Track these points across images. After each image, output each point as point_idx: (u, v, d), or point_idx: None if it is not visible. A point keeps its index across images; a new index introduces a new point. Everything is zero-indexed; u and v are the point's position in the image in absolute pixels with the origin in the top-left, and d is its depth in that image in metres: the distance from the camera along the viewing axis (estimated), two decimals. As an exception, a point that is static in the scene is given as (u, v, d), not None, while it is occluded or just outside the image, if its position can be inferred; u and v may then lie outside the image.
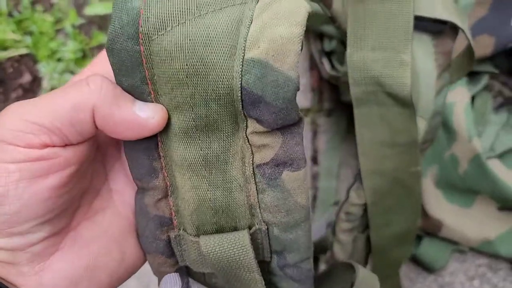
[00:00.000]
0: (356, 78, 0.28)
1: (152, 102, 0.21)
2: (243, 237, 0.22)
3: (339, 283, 0.31)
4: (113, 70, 0.21)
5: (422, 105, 0.30)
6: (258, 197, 0.23)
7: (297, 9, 0.20)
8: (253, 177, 0.22)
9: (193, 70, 0.20)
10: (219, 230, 0.23)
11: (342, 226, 0.34)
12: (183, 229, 0.24)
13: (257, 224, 0.23)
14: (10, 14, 0.88)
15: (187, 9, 0.19)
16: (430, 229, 0.60)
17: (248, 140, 0.21)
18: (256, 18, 0.20)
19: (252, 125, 0.21)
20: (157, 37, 0.19)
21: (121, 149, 0.24)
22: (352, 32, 0.27)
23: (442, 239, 0.61)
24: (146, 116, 0.20)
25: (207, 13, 0.19)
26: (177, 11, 0.19)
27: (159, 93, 0.21)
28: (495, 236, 0.59)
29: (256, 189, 0.22)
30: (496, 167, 0.57)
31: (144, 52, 0.20)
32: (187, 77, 0.20)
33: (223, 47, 0.20)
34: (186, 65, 0.20)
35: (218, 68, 0.20)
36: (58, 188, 0.20)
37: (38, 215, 0.19)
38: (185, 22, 0.19)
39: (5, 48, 0.85)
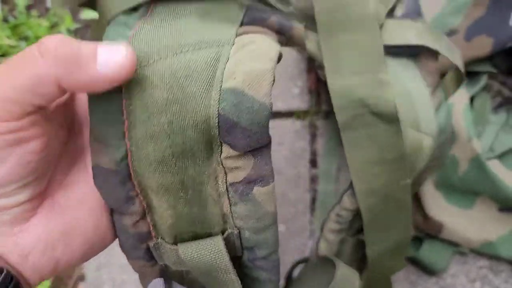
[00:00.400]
0: (341, 104, 0.29)
1: (125, 136, 0.22)
2: (218, 242, 0.24)
3: (319, 278, 0.34)
4: (88, 99, 0.22)
5: (424, 123, 0.31)
6: (231, 209, 0.24)
7: (269, 49, 0.23)
8: (226, 193, 0.24)
9: (173, 98, 0.21)
10: (195, 237, 0.25)
11: (331, 226, 0.36)
12: (161, 238, 0.25)
13: (230, 228, 0.25)
14: (5, 20, 0.88)
15: (170, 46, 0.21)
16: (431, 231, 0.59)
17: (222, 164, 0.23)
18: (232, 56, 0.22)
19: (226, 150, 0.22)
20: (140, 69, 0.21)
21: None
22: (329, 64, 0.29)
23: (443, 241, 0.60)
24: (112, 72, 0.20)
25: (188, 51, 0.21)
26: (161, 47, 0.21)
27: (133, 123, 0.21)
28: (496, 238, 0.59)
29: (229, 202, 0.24)
30: (496, 167, 0.56)
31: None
32: (166, 105, 0.21)
33: (203, 78, 0.21)
34: (166, 93, 0.21)
35: (197, 97, 0.21)
36: (38, 152, 0.21)
37: (20, 177, 0.21)
38: (167, 57, 0.21)
39: (1, 55, 0.85)
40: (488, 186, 0.56)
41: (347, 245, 0.37)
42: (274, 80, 0.22)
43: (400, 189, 0.31)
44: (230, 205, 0.24)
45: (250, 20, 0.25)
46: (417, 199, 0.61)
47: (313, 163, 0.71)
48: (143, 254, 0.25)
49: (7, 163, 0.20)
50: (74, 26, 0.87)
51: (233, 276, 0.24)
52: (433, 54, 0.33)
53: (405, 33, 0.31)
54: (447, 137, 0.34)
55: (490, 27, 0.55)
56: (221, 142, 0.22)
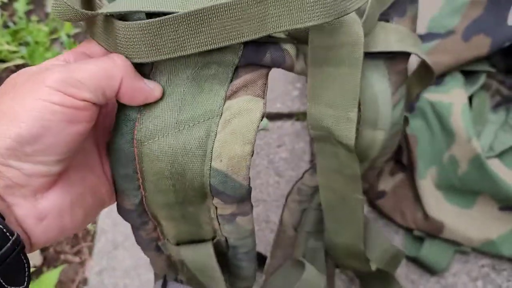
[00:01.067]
0: (313, 125, 0.34)
1: (140, 187, 0.29)
2: (209, 248, 0.33)
3: (289, 278, 0.42)
4: (110, 162, 0.28)
5: (381, 120, 0.36)
6: (220, 226, 0.32)
7: (251, 125, 0.27)
8: (216, 218, 0.32)
9: (174, 170, 0.27)
10: (192, 242, 0.34)
11: (292, 197, 0.42)
12: (167, 240, 0.34)
13: (219, 236, 0.33)
14: (5, 25, 0.88)
15: (169, 124, 0.27)
16: (432, 230, 0.59)
17: (213, 204, 0.30)
18: (219, 132, 0.27)
19: (217, 200, 0.30)
20: (147, 144, 0.27)
21: (106, 119, 0.31)
22: (311, 89, 0.32)
23: (444, 240, 0.60)
24: (152, 87, 0.27)
25: (184, 129, 0.27)
26: (162, 125, 0.27)
27: (146, 180, 0.28)
28: (497, 236, 0.59)
29: (218, 223, 0.32)
30: (496, 166, 0.57)
31: (137, 152, 0.27)
32: (170, 174, 0.28)
33: (197, 157, 0.27)
34: (170, 167, 0.27)
35: (194, 171, 0.28)
36: (82, 135, 0.25)
37: (62, 152, 0.24)
38: (168, 135, 0.27)
39: (1, 60, 0.85)
40: (488, 186, 0.56)
41: (310, 216, 0.43)
42: (252, 154, 0.28)
43: (353, 201, 0.37)
44: (219, 225, 0.32)
45: (245, 63, 0.28)
46: (417, 199, 0.61)
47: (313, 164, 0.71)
48: (154, 248, 0.35)
49: (59, 135, 0.24)
50: (73, 31, 0.87)
51: (218, 273, 0.33)
52: (407, 56, 0.37)
53: (388, 38, 0.34)
54: (398, 128, 0.38)
55: (488, 27, 0.56)
56: (212, 196, 0.29)
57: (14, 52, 0.85)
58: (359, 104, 0.33)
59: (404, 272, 0.62)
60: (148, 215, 0.31)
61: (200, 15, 0.24)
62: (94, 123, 0.26)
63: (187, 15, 0.24)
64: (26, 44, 0.86)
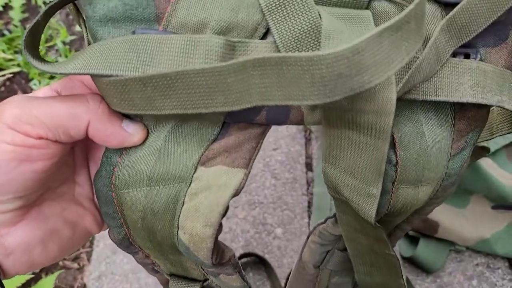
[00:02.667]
0: (329, 186, 0.28)
1: (123, 225, 0.27)
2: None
3: None
4: (96, 197, 0.27)
5: (428, 176, 0.28)
6: (208, 278, 0.32)
7: (215, 207, 0.25)
8: (204, 273, 0.31)
9: (147, 225, 0.26)
10: (184, 277, 0.33)
11: (313, 239, 0.37)
12: (159, 267, 0.33)
13: (209, 280, 0.32)
14: (0, 33, 0.89)
15: (142, 179, 0.25)
16: (427, 230, 0.60)
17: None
18: (186, 202, 0.25)
19: None
20: (123, 192, 0.26)
21: (89, 150, 0.29)
22: (327, 149, 0.26)
23: (439, 240, 0.61)
24: (131, 131, 0.24)
25: (154, 188, 0.25)
26: (136, 178, 0.25)
27: (126, 221, 0.27)
28: (490, 235, 0.60)
29: (205, 273, 0.31)
30: (489, 166, 0.57)
31: (115, 196, 0.26)
32: (142, 225, 0.26)
33: (165, 220, 0.26)
34: (141, 220, 0.26)
35: (163, 232, 0.26)
36: (40, 172, 0.24)
37: (17, 190, 0.24)
38: (140, 190, 0.25)
39: (-4, 67, 0.85)
40: (481, 185, 0.57)
41: (335, 256, 0.38)
42: (217, 237, 0.26)
43: (383, 254, 0.31)
44: (207, 275, 0.31)
45: (234, 119, 0.24)
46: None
47: (309, 166, 0.72)
48: (151, 269, 0.33)
49: (10, 174, 0.23)
50: (69, 38, 0.87)
51: None
52: (486, 107, 0.27)
53: (460, 82, 0.25)
54: (456, 179, 0.29)
55: None
56: None
57: (10, 60, 0.86)
58: (396, 163, 0.26)
59: (400, 272, 0.62)
60: (135, 246, 0.29)
61: (162, 79, 0.21)
62: (59, 159, 0.25)
63: (150, 78, 0.21)
64: (22, 52, 0.87)
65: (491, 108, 0.32)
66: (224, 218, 0.66)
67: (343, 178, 0.26)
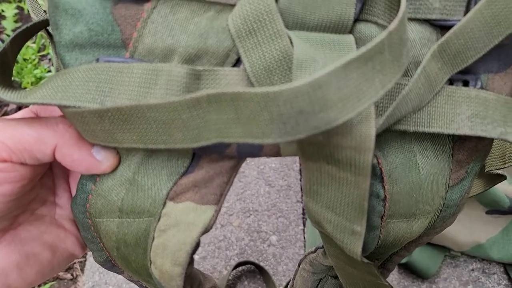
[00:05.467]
0: (312, 220, 0.26)
1: (103, 249, 0.27)
2: None
3: None
4: (76, 222, 0.27)
5: (422, 209, 0.26)
6: None
7: (183, 246, 0.24)
8: None
9: (121, 255, 0.26)
10: None
11: (305, 267, 0.36)
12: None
13: None
14: (-7, 43, 0.89)
15: (113, 210, 0.24)
16: (421, 236, 0.60)
17: None
18: (156, 238, 0.24)
19: None
20: (98, 220, 0.25)
21: (70, 172, 0.29)
22: (307, 182, 0.24)
23: (434, 245, 0.61)
24: (101, 159, 0.24)
25: (125, 221, 0.25)
26: (108, 208, 0.24)
27: (104, 245, 0.26)
28: (485, 240, 0.60)
29: None
30: (482, 171, 0.57)
31: (91, 223, 0.25)
32: (117, 254, 0.26)
33: (138, 252, 0.25)
34: (116, 250, 0.26)
35: (137, 263, 0.26)
36: (8, 195, 0.23)
37: None
38: (113, 221, 0.25)
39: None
40: (475, 190, 0.57)
41: (329, 283, 0.37)
42: (185, 275, 0.25)
43: (376, 284, 0.29)
44: None
45: (204, 151, 0.23)
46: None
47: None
48: (139, 284, 0.32)
49: None
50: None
51: None
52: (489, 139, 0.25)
53: (455, 113, 0.23)
54: (455, 210, 0.27)
55: None
56: None
57: (3, 69, 0.85)
58: (384, 198, 0.25)
59: (396, 278, 0.62)
60: (119, 267, 0.29)
61: (117, 113, 0.20)
62: (29, 181, 0.24)
63: (105, 111, 0.20)
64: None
65: None
66: (219, 226, 0.66)
67: (325, 214, 0.24)
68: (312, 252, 0.35)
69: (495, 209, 0.58)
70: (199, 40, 0.21)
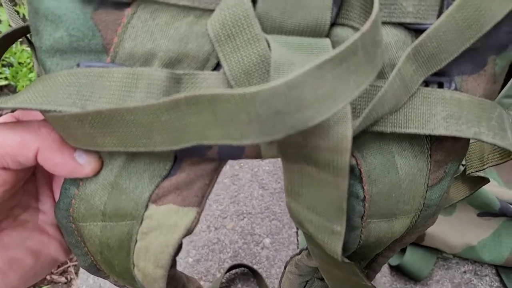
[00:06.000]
0: (294, 220, 0.26)
1: (88, 254, 0.27)
2: None
3: None
4: (60, 228, 0.27)
5: (402, 208, 0.27)
6: None
7: (165, 248, 0.24)
8: None
9: (104, 259, 0.26)
10: None
11: (291, 269, 0.36)
12: None
13: None
14: (-12, 47, 0.89)
15: (96, 214, 0.25)
16: (414, 238, 0.60)
17: None
18: (139, 240, 0.25)
19: None
20: (81, 224, 0.25)
21: (53, 177, 0.29)
22: (289, 184, 0.24)
23: (426, 248, 0.61)
24: (82, 162, 0.24)
25: (108, 224, 0.25)
26: (91, 212, 0.25)
27: (89, 249, 0.26)
28: (477, 242, 0.60)
29: None
30: (473, 173, 0.58)
31: (75, 228, 0.25)
32: (101, 259, 0.26)
33: (121, 255, 0.25)
34: (100, 254, 0.26)
35: (120, 266, 0.26)
36: None
37: None
38: (96, 224, 0.25)
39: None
40: (466, 192, 0.57)
41: (315, 287, 0.37)
42: (167, 277, 0.25)
43: (359, 285, 0.29)
44: None
45: (185, 154, 0.24)
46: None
47: (297, 176, 0.72)
48: None
49: None
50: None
51: None
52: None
53: (432, 113, 0.23)
54: (435, 210, 0.28)
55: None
56: None
57: (-2, 73, 0.86)
58: (363, 198, 0.25)
59: (389, 281, 0.62)
60: (104, 272, 0.29)
61: (97, 116, 0.20)
62: (12, 187, 0.24)
63: (85, 115, 0.20)
64: (10, 65, 0.87)
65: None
66: (212, 229, 0.66)
67: (306, 214, 0.24)
68: (297, 254, 0.36)
69: (486, 211, 0.59)
70: (179, 44, 0.21)
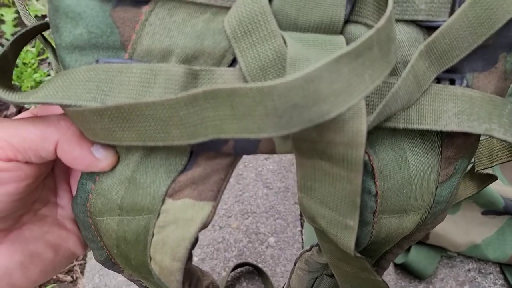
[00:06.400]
0: (306, 216, 0.27)
1: (104, 248, 0.27)
2: None
3: None
4: (76, 221, 0.27)
5: (413, 205, 0.27)
6: None
7: (182, 242, 0.24)
8: None
9: (120, 253, 0.26)
10: None
11: (301, 266, 0.36)
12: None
13: None
14: (-8, 47, 0.89)
15: (113, 208, 0.25)
16: (418, 237, 0.61)
17: None
18: (156, 234, 0.25)
19: None
20: (98, 219, 0.26)
21: (71, 172, 0.29)
22: (302, 179, 0.24)
23: (430, 246, 0.61)
24: (100, 156, 0.24)
25: (125, 218, 0.25)
26: (108, 207, 0.25)
27: (105, 243, 0.27)
28: (481, 240, 0.60)
29: None
30: (477, 172, 0.58)
31: (92, 222, 0.26)
32: (117, 252, 0.26)
33: (137, 249, 0.26)
34: (116, 248, 0.26)
35: (137, 260, 0.26)
36: (13, 195, 0.23)
37: None
38: (113, 219, 0.25)
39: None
40: (470, 191, 0.57)
41: (325, 284, 0.38)
42: (183, 270, 0.25)
43: (370, 281, 0.29)
44: None
45: (201, 148, 0.24)
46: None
47: (301, 175, 0.72)
48: (139, 284, 0.32)
49: None
50: (61, 51, 0.88)
51: None
52: (475, 134, 0.26)
53: (442, 110, 0.23)
54: (444, 206, 0.28)
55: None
56: None
57: (2, 73, 0.86)
58: (376, 194, 0.25)
59: (393, 279, 0.62)
60: (119, 266, 0.29)
61: (117, 111, 0.21)
62: (34, 181, 0.24)
63: (105, 109, 0.21)
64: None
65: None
66: (217, 228, 0.67)
67: (319, 209, 0.25)
68: (307, 251, 0.36)
69: (491, 209, 0.59)
70: (196, 41, 0.22)
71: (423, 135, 0.25)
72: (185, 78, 0.21)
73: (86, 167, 0.24)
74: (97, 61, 0.22)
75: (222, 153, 0.24)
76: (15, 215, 0.25)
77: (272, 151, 0.24)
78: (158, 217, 0.25)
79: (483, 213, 0.60)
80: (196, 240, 0.25)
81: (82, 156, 0.24)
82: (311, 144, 0.22)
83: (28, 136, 0.23)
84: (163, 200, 0.25)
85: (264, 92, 0.16)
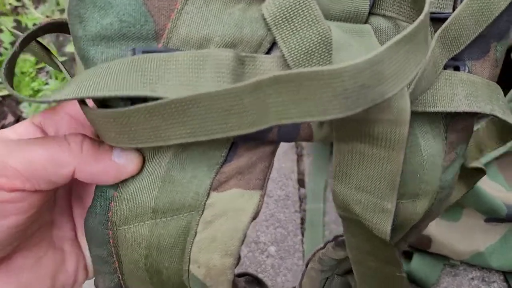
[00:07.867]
0: (339, 205, 0.27)
1: (117, 271, 0.25)
2: None
3: None
4: (86, 238, 0.24)
5: (425, 188, 0.28)
6: None
7: (235, 233, 0.23)
8: None
9: (150, 265, 0.24)
10: None
11: (313, 265, 0.36)
12: None
13: None
14: (-10, 57, 0.89)
15: (145, 212, 0.23)
16: (420, 245, 0.60)
17: None
18: (200, 232, 0.24)
19: None
20: (122, 228, 0.24)
21: (73, 187, 0.26)
22: (337, 166, 0.25)
23: (433, 254, 0.61)
24: (123, 162, 0.22)
25: (160, 221, 0.23)
26: (138, 212, 0.23)
27: (123, 263, 0.25)
28: (484, 248, 0.60)
29: None
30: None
31: (112, 235, 0.24)
32: (145, 266, 0.24)
33: (173, 256, 0.24)
34: (144, 259, 0.24)
35: (170, 270, 0.24)
36: (13, 227, 0.21)
37: None
38: (144, 224, 0.23)
39: (-14, 90, 0.85)
40: (472, 198, 0.57)
41: (335, 282, 0.37)
42: (234, 276, 0.24)
43: (391, 277, 0.30)
44: None
45: (244, 138, 0.23)
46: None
47: (301, 183, 0.71)
48: None
49: None
50: (60, 59, 0.87)
51: None
52: (476, 114, 0.27)
53: (454, 93, 0.25)
54: (448, 192, 0.29)
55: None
56: None
57: (0, 82, 0.86)
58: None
59: (395, 288, 0.62)
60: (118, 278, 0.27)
61: (174, 105, 0.20)
62: (37, 210, 0.22)
63: (159, 105, 0.20)
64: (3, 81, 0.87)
65: (477, 128, 0.33)
66: (217, 237, 0.66)
67: (355, 195, 0.25)
68: (321, 248, 0.36)
69: (494, 217, 0.58)
70: (235, 29, 0.22)
71: (431, 121, 0.27)
72: (234, 62, 0.21)
73: (114, 179, 0.22)
74: (133, 51, 0.21)
75: (267, 141, 0.24)
76: (12, 245, 0.23)
77: (309, 137, 0.25)
78: (202, 213, 0.24)
79: (486, 221, 0.59)
80: (244, 235, 0.25)
81: (105, 169, 0.22)
82: (354, 124, 0.23)
83: (39, 163, 0.20)
84: (208, 194, 0.24)
85: (336, 74, 0.17)
